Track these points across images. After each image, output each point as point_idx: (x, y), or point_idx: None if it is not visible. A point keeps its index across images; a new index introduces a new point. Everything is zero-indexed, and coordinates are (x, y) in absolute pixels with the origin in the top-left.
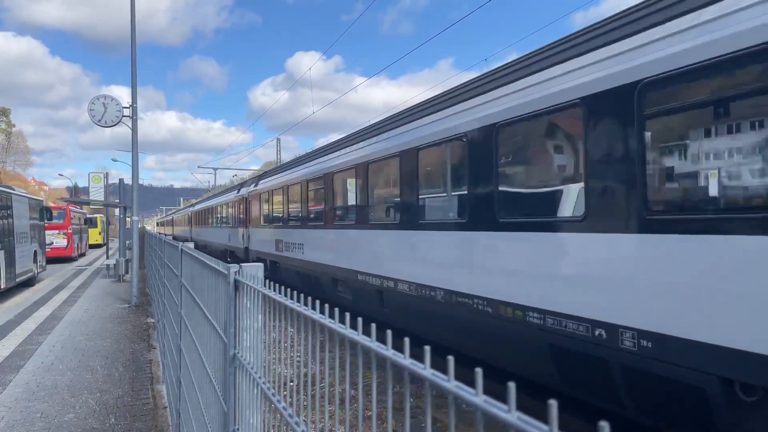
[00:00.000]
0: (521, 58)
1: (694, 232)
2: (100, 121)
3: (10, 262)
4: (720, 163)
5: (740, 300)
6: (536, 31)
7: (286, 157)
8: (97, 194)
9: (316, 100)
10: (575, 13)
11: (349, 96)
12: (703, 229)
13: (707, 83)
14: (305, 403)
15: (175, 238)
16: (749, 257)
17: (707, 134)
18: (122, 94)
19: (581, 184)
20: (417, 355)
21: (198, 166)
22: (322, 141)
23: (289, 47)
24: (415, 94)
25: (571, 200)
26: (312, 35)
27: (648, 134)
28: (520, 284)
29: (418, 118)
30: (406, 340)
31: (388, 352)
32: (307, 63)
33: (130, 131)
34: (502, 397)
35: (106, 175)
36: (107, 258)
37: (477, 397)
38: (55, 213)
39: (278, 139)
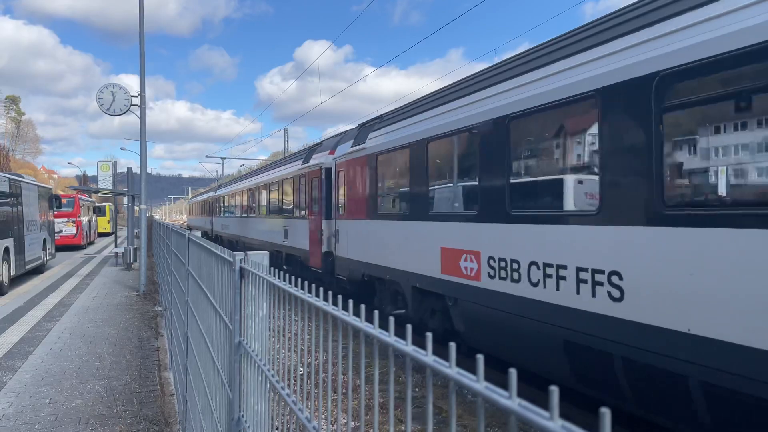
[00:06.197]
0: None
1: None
2: (108, 109)
3: (20, 250)
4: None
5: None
6: (546, 21)
7: (294, 146)
8: (105, 183)
9: (324, 90)
10: (585, 4)
11: (358, 86)
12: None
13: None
14: (309, 390)
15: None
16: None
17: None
18: (133, 83)
19: None
20: (421, 344)
21: (206, 156)
22: (331, 131)
23: (298, 36)
24: (425, 84)
25: None
26: (322, 24)
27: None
28: None
29: None
30: (408, 326)
31: (390, 338)
32: (317, 52)
33: (139, 120)
34: (503, 385)
35: (115, 164)
36: (116, 246)
37: (478, 383)
38: (64, 201)
39: (286, 129)
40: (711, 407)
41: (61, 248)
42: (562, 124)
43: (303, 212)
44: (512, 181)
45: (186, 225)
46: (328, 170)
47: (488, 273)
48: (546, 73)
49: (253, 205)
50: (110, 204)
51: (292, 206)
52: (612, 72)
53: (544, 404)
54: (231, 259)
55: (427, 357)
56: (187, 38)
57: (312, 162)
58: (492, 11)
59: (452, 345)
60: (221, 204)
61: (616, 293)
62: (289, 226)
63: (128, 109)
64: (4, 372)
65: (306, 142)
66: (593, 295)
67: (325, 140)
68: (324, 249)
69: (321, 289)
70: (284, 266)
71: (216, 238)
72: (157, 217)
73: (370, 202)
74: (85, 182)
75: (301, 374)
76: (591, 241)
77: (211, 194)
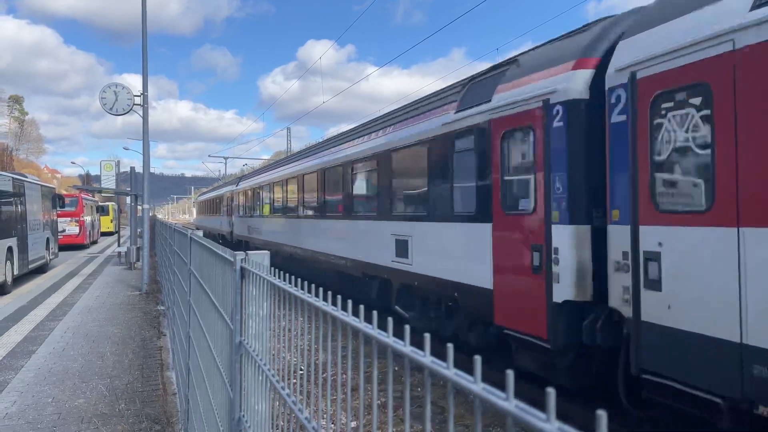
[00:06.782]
0: None
1: None
2: (111, 109)
3: (23, 249)
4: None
5: None
6: (549, 20)
7: (297, 146)
8: (108, 182)
9: (326, 90)
10: (588, 4)
11: (360, 85)
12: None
13: None
14: (309, 390)
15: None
16: None
17: None
18: (135, 82)
19: None
20: (420, 344)
21: (209, 155)
22: (333, 131)
23: (300, 35)
24: (427, 84)
25: None
26: (324, 24)
27: None
28: None
29: None
30: (407, 327)
31: (389, 339)
32: (319, 51)
33: (142, 120)
34: (503, 386)
35: (118, 164)
36: (118, 245)
37: (475, 384)
38: (67, 200)
39: (288, 129)
40: None
41: (65, 247)
42: None
43: (470, 208)
44: None
45: (194, 226)
46: (579, 107)
47: None
48: None
49: (315, 198)
50: (113, 203)
51: (425, 196)
52: None
53: (544, 405)
54: (232, 259)
55: (425, 358)
56: (190, 38)
57: (510, 98)
58: (494, 11)
59: (450, 346)
60: (247, 200)
61: None
62: (414, 235)
63: (131, 109)
64: (7, 371)
65: (308, 142)
66: None
67: (521, 54)
68: (565, 295)
69: (321, 289)
70: (396, 306)
71: (237, 245)
72: (159, 216)
73: None
74: (88, 182)
75: (302, 374)
76: None
77: (229, 188)
